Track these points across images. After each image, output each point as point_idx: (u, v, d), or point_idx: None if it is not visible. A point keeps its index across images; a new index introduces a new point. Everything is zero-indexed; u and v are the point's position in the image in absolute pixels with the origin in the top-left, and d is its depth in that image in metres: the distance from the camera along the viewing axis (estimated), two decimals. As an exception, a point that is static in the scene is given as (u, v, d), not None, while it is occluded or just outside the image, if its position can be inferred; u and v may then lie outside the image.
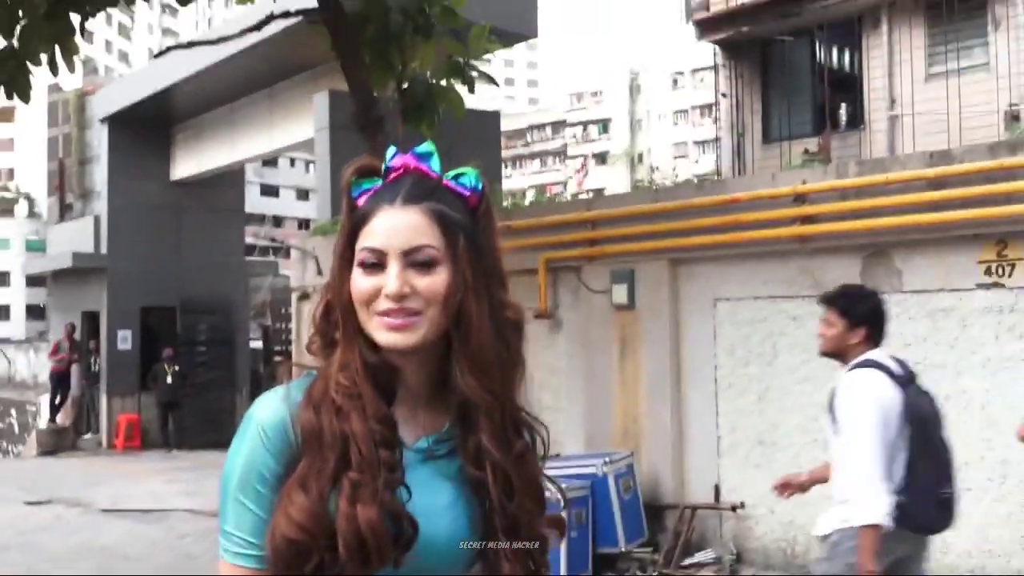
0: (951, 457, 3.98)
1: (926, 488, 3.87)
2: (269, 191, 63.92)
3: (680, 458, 7.95)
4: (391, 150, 1.44)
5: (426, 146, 1.44)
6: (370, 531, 1.29)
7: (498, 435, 1.41)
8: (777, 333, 7.38)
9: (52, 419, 19.49)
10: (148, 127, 19.11)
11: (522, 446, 1.46)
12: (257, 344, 22.96)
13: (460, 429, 1.42)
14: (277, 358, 21.46)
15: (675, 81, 68.35)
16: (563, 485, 7.11)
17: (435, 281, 1.35)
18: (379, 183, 1.42)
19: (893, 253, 6.76)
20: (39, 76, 7.82)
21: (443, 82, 8.23)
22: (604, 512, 7.39)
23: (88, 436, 18.96)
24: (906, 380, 3.96)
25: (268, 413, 1.37)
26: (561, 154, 76.57)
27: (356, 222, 1.40)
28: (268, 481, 1.34)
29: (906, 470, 3.86)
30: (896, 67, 12.89)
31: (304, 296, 11.71)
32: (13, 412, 22.48)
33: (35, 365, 22.12)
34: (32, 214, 66.23)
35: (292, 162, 61.21)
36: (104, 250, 18.95)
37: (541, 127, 79.23)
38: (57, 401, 19.36)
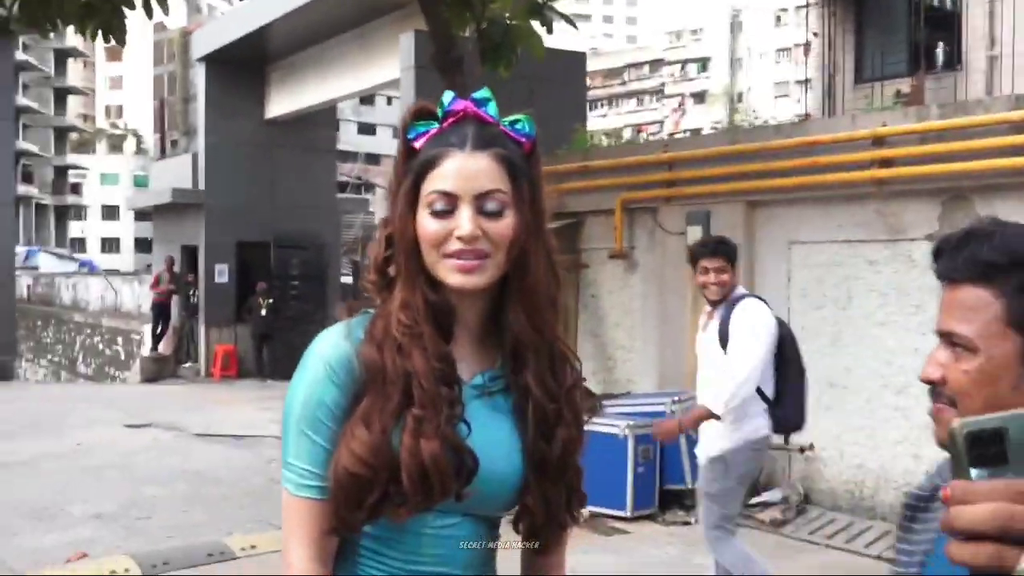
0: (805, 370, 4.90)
1: (797, 394, 4.75)
2: (366, 129, 64.52)
3: (751, 400, 7.96)
4: (448, 95, 1.47)
5: (483, 92, 1.48)
6: (434, 464, 1.34)
7: (544, 372, 1.47)
8: (852, 277, 7.30)
9: (154, 348, 20.31)
10: (243, 66, 19.43)
11: (571, 379, 1.52)
12: (348, 280, 23.44)
13: (512, 366, 1.47)
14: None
15: (778, 18, 66.35)
16: (631, 422, 7.24)
17: (504, 225, 1.40)
18: (435, 126, 1.44)
19: (973, 198, 6.60)
20: (142, 17, 8.06)
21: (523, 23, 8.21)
22: (672, 449, 7.46)
23: (187, 365, 19.72)
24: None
25: (332, 348, 1.41)
26: (659, 93, 75.31)
27: (423, 165, 1.41)
28: (334, 414, 1.39)
29: (783, 381, 4.66)
30: (998, 4, 12.35)
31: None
32: (119, 340, 23.46)
33: (139, 296, 22.98)
34: (140, 150, 68.48)
35: (389, 100, 61.19)
36: (202, 186, 19.54)
37: (639, 65, 77.89)
38: (158, 331, 20.17)
